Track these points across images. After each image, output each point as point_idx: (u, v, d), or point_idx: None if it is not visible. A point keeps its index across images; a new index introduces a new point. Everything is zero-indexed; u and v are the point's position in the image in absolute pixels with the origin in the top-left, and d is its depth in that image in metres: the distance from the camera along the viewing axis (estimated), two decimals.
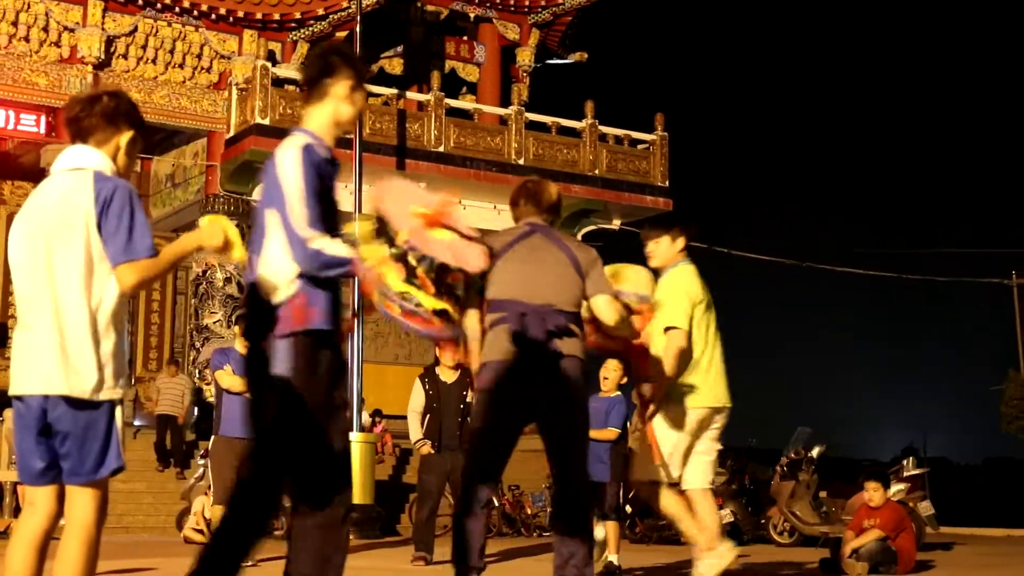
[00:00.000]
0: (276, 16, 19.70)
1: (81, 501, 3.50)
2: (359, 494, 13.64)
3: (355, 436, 15.13)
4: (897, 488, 11.92)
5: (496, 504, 15.12)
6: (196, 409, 18.10)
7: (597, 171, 21.17)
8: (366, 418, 17.67)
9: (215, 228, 3.77)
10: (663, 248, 6.08)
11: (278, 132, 18.70)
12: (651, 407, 5.69)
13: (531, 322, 4.82)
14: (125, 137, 3.69)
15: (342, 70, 3.98)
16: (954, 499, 27.73)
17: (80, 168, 3.58)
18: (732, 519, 13.65)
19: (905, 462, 13.66)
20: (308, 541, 3.89)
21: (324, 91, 3.98)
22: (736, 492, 14.37)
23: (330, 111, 4.01)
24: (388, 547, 12.03)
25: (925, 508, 12.76)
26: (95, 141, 3.64)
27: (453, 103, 20.85)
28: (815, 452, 13.92)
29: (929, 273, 28.00)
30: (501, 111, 21.33)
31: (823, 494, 14.25)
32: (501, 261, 4.97)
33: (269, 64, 18.99)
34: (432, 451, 9.59)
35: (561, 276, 4.94)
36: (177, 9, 19.13)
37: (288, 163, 3.94)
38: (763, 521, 14.17)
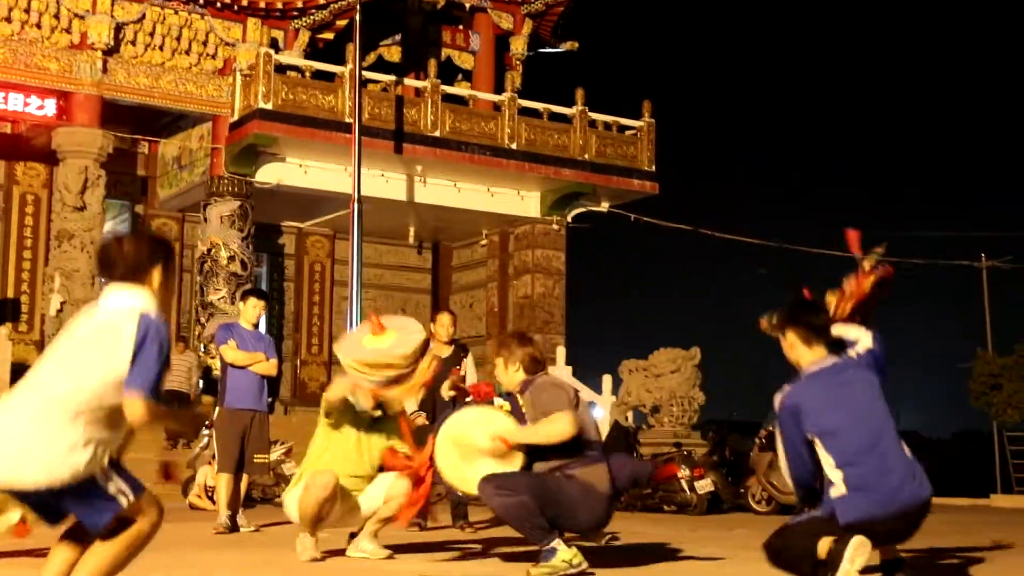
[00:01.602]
0: (279, 5, 19.63)
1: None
2: None
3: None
4: None
5: None
6: (201, 383, 18.09)
7: (587, 156, 21.16)
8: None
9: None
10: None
11: (281, 117, 18.70)
12: None
13: None
14: (156, 273, 3.83)
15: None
16: (925, 470, 27.86)
17: (123, 308, 3.73)
18: (713, 488, 13.72)
19: None
20: None
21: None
22: (717, 463, 14.43)
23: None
24: None
25: None
26: (131, 283, 3.79)
27: (449, 90, 20.82)
28: None
29: (903, 256, 27.97)
30: (495, 98, 21.30)
31: None
32: None
33: (272, 51, 18.93)
34: (426, 422, 9.62)
35: None
36: None
37: None
38: (742, 491, 14.24)
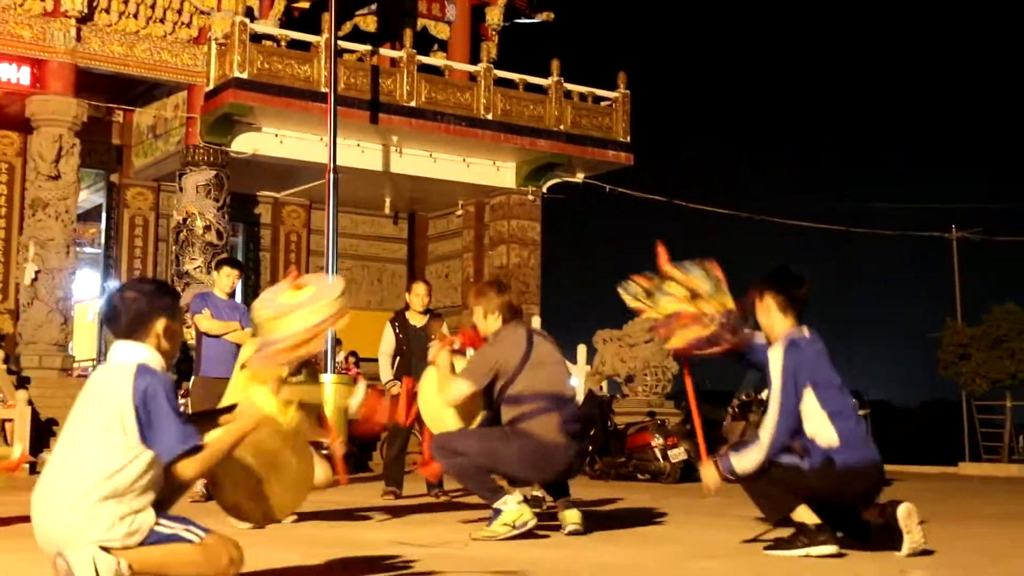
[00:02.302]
0: None
1: None
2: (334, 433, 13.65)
3: (330, 377, 15.15)
4: None
5: None
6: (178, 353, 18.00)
7: (562, 126, 21.09)
8: (340, 358, 17.67)
9: (253, 413, 3.90)
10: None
11: (256, 86, 18.53)
12: None
13: None
14: (160, 325, 3.76)
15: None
16: (894, 438, 28.07)
17: (125, 364, 3.67)
18: (686, 457, 13.77)
19: None
20: None
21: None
22: (690, 432, 14.48)
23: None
24: (360, 483, 12.08)
25: None
26: (135, 338, 3.73)
27: (425, 60, 20.68)
28: (764, 395, 14.02)
29: (873, 226, 28.08)
30: (471, 68, 21.17)
31: None
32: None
33: (247, 20, 18.73)
34: (400, 392, 9.60)
35: None
36: None
37: None
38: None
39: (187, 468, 3.61)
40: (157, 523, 3.57)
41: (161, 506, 3.64)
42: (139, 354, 3.69)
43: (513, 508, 6.03)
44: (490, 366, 6.19)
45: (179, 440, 3.58)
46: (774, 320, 5.47)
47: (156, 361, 3.71)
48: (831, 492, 5.34)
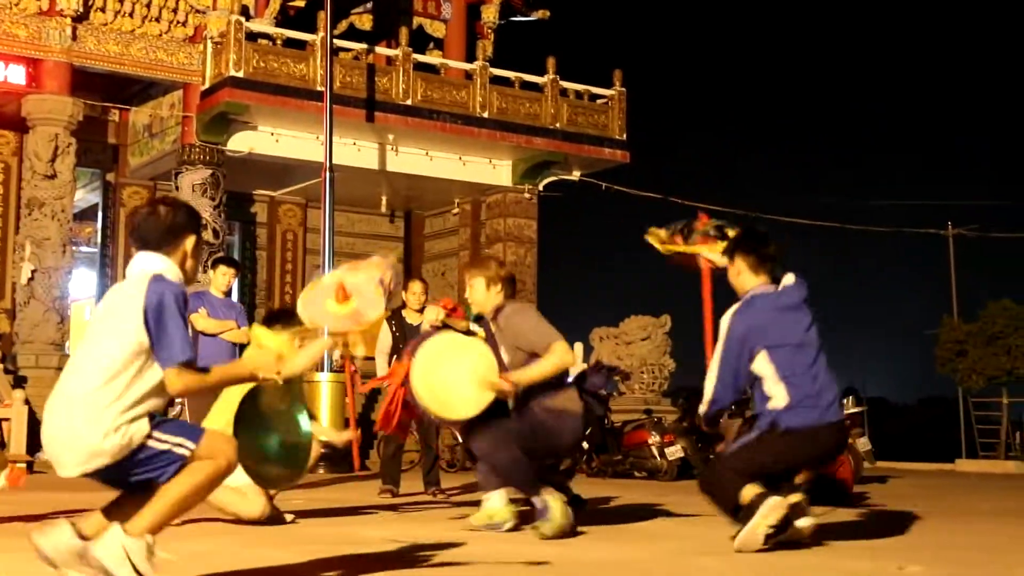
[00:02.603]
0: None
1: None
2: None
3: (326, 376, 15.15)
4: None
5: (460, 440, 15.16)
6: None
7: (558, 124, 21.08)
8: (337, 357, 17.63)
9: (266, 355, 3.89)
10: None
11: (252, 84, 18.50)
12: None
13: None
14: (189, 243, 3.81)
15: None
16: (891, 436, 28.09)
17: (140, 274, 3.70)
18: (683, 455, 13.78)
19: (845, 401, 13.77)
20: None
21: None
22: (687, 429, 14.47)
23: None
24: (357, 481, 12.08)
25: (863, 444, 12.87)
26: (161, 251, 3.75)
27: (420, 58, 20.66)
28: None
29: (869, 224, 28.11)
30: (466, 66, 21.16)
31: None
32: None
33: (243, 19, 18.71)
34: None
35: None
36: None
37: None
38: (712, 456, 14.28)
39: (174, 380, 3.59)
40: (150, 435, 3.58)
41: (152, 417, 3.65)
42: (158, 264, 3.72)
43: (497, 504, 6.13)
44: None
45: (180, 350, 3.60)
46: (745, 281, 5.57)
47: (174, 273, 3.73)
48: (781, 459, 5.33)
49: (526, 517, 6.24)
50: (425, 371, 5.95)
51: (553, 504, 5.88)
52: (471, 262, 6.63)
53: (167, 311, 3.60)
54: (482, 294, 6.19)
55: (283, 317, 6.31)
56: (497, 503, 6.18)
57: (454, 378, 5.94)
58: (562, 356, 6.02)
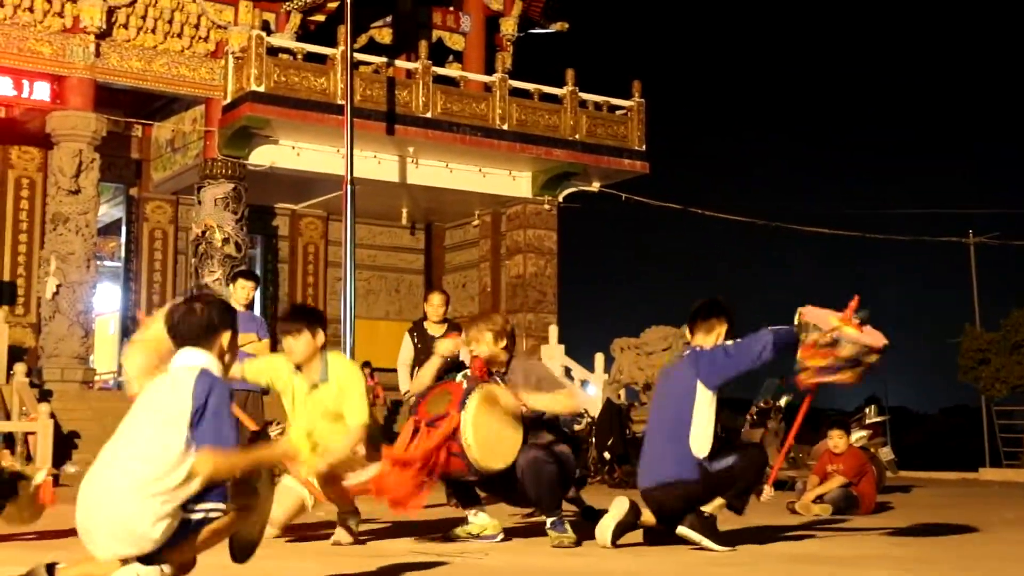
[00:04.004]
0: None
1: None
2: None
3: None
4: (859, 435, 11.98)
5: None
6: None
7: (577, 136, 21.09)
8: None
9: (297, 448, 4.05)
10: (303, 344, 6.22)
11: (273, 99, 18.60)
12: None
13: None
14: (225, 338, 3.91)
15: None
16: (913, 445, 27.93)
17: (190, 366, 3.79)
18: None
19: (867, 410, 13.72)
20: None
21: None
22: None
23: None
24: None
25: (885, 454, 12.84)
26: (200, 346, 3.85)
27: (440, 71, 20.72)
28: (782, 401, 13.98)
29: (890, 232, 28.00)
30: (486, 78, 21.21)
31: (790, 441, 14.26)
32: None
33: (264, 34, 18.82)
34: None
35: None
36: None
37: None
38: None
39: (203, 461, 3.63)
40: (186, 509, 3.63)
41: None
42: (202, 359, 3.81)
43: (483, 520, 6.39)
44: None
45: (220, 439, 3.66)
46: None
47: (217, 368, 3.83)
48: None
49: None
50: (477, 425, 5.99)
51: (480, 515, 6.38)
52: (476, 317, 6.75)
53: (215, 405, 3.68)
54: (490, 348, 6.31)
55: (307, 315, 6.36)
56: (485, 517, 6.41)
57: (498, 428, 6.08)
58: (575, 398, 6.58)
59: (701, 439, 5.87)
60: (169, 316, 3.97)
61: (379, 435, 6.57)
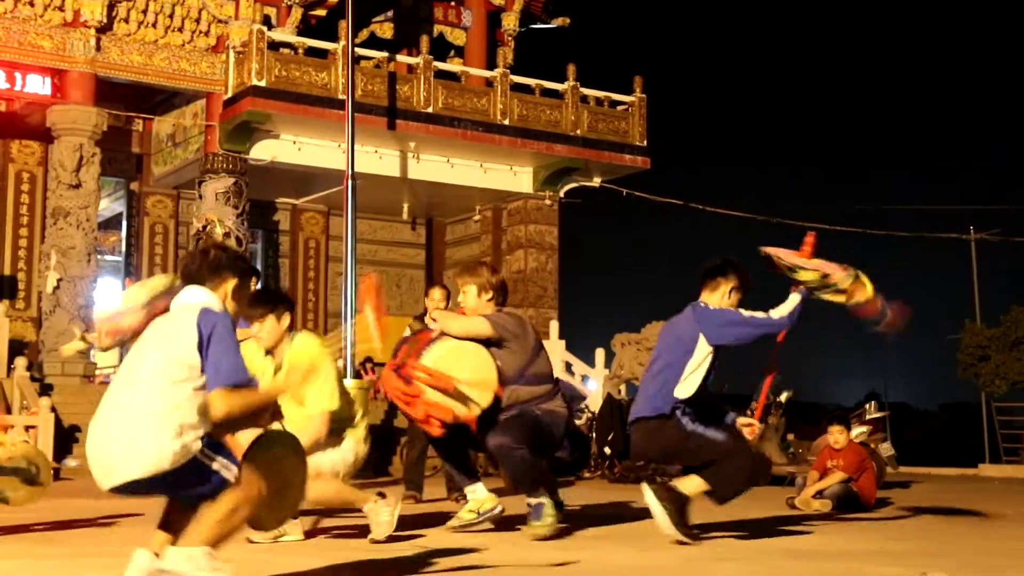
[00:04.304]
0: None
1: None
2: None
3: (349, 383, 15.16)
4: (859, 430, 11.99)
5: None
6: None
7: (578, 131, 21.10)
8: (358, 365, 17.69)
9: (295, 375, 4.30)
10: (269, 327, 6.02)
11: (274, 93, 18.59)
12: None
13: None
14: (230, 284, 3.98)
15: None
16: (913, 441, 27.96)
17: (191, 304, 3.86)
18: None
19: (867, 406, 13.74)
20: None
21: None
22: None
23: None
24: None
25: (885, 449, 12.86)
26: (207, 286, 3.94)
27: (441, 66, 20.71)
28: (783, 397, 14.00)
29: (891, 228, 27.99)
30: (487, 73, 21.21)
31: (790, 436, 14.34)
32: None
33: (265, 28, 18.81)
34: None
35: None
36: None
37: None
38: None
39: (218, 402, 3.69)
40: (203, 451, 3.68)
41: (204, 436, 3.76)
42: (204, 297, 3.88)
43: (482, 493, 6.36)
44: (510, 330, 6.26)
45: (231, 371, 3.71)
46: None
47: (217, 305, 3.89)
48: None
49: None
50: (439, 357, 6.14)
51: (546, 503, 6.11)
52: (463, 269, 6.70)
53: (219, 338, 3.74)
54: (474, 300, 6.34)
55: (268, 298, 6.15)
56: (482, 493, 6.40)
57: (462, 355, 6.18)
58: (478, 325, 6.25)
59: (686, 384, 6.03)
60: (186, 260, 4.08)
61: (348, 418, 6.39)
